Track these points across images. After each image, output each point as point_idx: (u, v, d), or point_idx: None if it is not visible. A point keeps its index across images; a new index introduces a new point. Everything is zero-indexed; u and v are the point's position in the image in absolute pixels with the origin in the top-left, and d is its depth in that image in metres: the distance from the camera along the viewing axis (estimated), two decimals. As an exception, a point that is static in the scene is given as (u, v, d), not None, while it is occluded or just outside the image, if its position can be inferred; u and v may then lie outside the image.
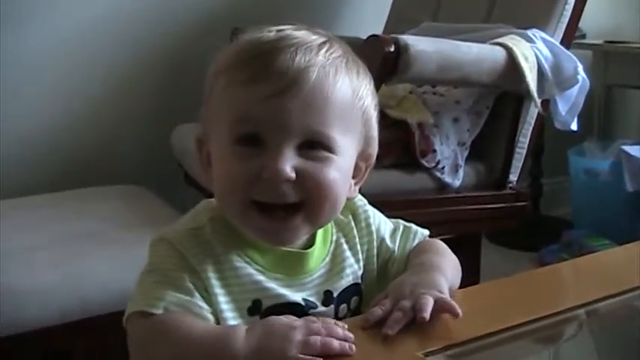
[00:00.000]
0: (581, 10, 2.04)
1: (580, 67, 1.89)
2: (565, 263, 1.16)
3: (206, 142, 0.91)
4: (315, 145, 0.84)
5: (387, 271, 0.97)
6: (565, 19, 2.00)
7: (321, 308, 0.90)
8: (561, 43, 1.96)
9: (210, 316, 0.84)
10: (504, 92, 1.93)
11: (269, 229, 0.86)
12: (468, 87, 1.89)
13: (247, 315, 0.86)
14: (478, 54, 1.75)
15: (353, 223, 0.97)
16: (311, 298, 0.90)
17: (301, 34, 0.86)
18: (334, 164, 0.84)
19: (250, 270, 0.88)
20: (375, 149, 0.95)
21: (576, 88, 1.90)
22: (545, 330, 0.94)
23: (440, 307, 0.84)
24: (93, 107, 2.36)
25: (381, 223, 0.99)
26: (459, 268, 0.98)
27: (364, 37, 1.78)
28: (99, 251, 1.60)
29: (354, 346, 0.78)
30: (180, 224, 0.90)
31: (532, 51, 1.81)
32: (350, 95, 0.86)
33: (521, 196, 2.01)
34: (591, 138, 3.15)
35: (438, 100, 1.92)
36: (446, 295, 0.86)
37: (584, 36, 3.04)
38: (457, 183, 1.92)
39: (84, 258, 1.58)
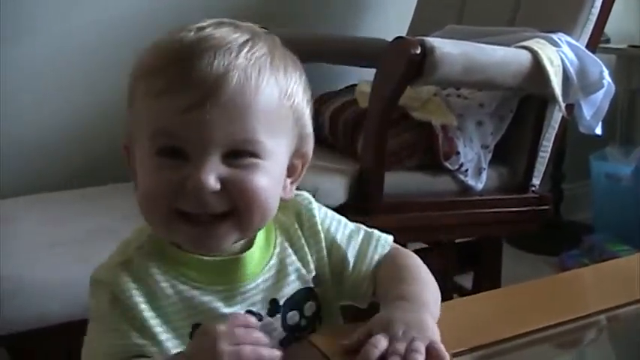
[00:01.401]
0: (607, 15, 2.02)
1: (605, 72, 1.88)
2: (586, 268, 1.16)
3: (132, 150, 0.87)
4: (241, 153, 0.80)
5: (343, 276, 0.94)
6: (591, 24, 1.99)
7: (267, 319, 0.87)
8: (586, 47, 1.95)
9: (154, 349, 0.81)
10: (528, 96, 1.92)
11: (194, 235, 0.82)
12: (493, 90, 1.89)
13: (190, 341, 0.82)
14: (503, 57, 1.75)
15: (297, 225, 0.93)
16: (254, 309, 0.87)
17: (222, 33, 0.82)
18: (262, 170, 0.81)
19: (187, 292, 0.84)
20: (310, 146, 0.91)
21: (601, 92, 1.89)
22: (566, 335, 0.94)
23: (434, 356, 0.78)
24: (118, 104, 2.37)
25: (332, 224, 0.95)
26: (438, 291, 0.91)
27: (388, 39, 1.78)
28: (121, 247, 1.60)
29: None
30: (110, 258, 0.87)
31: (557, 55, 1.81)
32: (276, 96, 0.82)
33: (543, 200, 2.00)
34: (614, 143, 3.14)
35: (462, 103, 1.92)
36: (437, 339, 0.80)
37: (608, 40, 3.02)
38: (480, 186, 1.92)
39: (106, 254, 1.58)
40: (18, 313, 1.47)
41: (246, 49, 0.81)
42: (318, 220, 0.94)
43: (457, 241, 2.11)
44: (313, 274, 0.92)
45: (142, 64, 0.83)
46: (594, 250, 2.76)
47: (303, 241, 0.92)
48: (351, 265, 0.93)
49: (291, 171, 0.89)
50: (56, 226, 1.71)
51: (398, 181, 1.81)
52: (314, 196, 1.66)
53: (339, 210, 1.70)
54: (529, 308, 0.98)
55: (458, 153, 1.85)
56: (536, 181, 1.99)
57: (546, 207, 2.00)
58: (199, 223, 0.81)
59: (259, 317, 0.86)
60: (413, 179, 1.85)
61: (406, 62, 1.62)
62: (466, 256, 2.12)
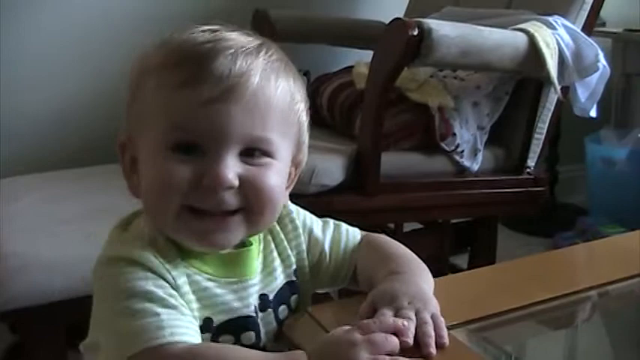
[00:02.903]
0: (603, -1, 2.04)
1: (601, 55, 1.90)
2: (582, 245, 1.18)
3: (131, 147, 0.85)
4: (256, 151, 0.81)
5: (322, 266, 0.95)
6: (587, 7, 2.00)
7: (260, 314, 0.87)
8: (582, 30, 1.96)
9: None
10: (524, 78, 1.94)
11: (203, 230, 0.81)
12: (490, 72, 1.90)
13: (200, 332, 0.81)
14: (500, 39, 1.76)
15: (275, 222, 0.92)
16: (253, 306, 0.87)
17: (236, 36, 0.83)
18: (274, 169, 0.82)
19: (203, 283, 0.83)
20: (305, 155, 0.92)
21: (597, 75, 1.91)
22: (559, 310, 0.96)
23: (436, 326, 0.80)
24: (117, 85, 2.38)
25: (307, 217, 0.96)
26: (422, 263, 0.94)
27: (385, 22, 1.79)
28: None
29: None
30: (122, 244, 0.83)
31: (553, 37, 1.82)
32: (289, 99, 0.84)
33: (539, 182, 2.02)
34: (608, 126, 3.16)
35: (458, 85, 1.93)
36: (438, 312, 0.83)
37: (604, 24, 3.04)
38: (476, 167, 1.94)
39: (107, 231, 1.60)
40: (22, 289, 1.49)
41: (263, 52, 0.82)
42: (295, 215, 0.95)
43: (453, 221, 2.13)
44: (294, 267, 0.93)
45: (150, 60, 0.82)
46: (588, 232, 2.78)
47: (282, 235, 0.93)
48: (328, 255, 0.95)
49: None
50: (58, 205, 1.73)
51: (395, 162, 1.83)
52: (311, 176, 1.70)
53: (337, 190, 1.76)
54: (523, 283, 1.00)
55: (454, 134, 1.87)
56: (531, 162, 2.01)
57: (542, 188, 2.02)
58: (209, 218, 0.80)
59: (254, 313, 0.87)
60: (409, 160, 1.87)
61: (404, 44, 1.64)
62: (462, 236, 2.14)
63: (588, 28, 2.02)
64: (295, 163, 0.90)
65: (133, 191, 0.86)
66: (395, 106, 1.84)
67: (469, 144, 1.91)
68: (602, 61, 1.90)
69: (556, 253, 1.17)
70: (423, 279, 0.89)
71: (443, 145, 1.87)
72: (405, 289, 0.84)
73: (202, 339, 0.80)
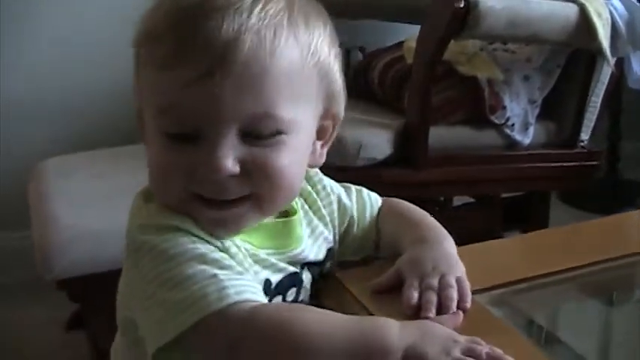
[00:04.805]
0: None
1: (657, 25, 1.86)
2: (614, 216, 1.16)
3: (142, 116, 0.78)
4: (261, 130, 0.72)
5: (349, 233, 0.92)
6: (642, -25, 1.96)
7: (302, 271, 0.84)
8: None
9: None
10: (577, 50, 1.91)
11: (212, 217, 0.74)
12: (539, 44, 1.88)
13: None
14: (549, 10, 1.74)
15: (310, 188, 0.88)
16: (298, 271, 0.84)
17: None
18: (286, 146, 0.73)
19: (251, 249, 0.78)
20: (341, 104, 0.82)
21: (652, 46, 1.87)
22: (587, 277, 0.95)
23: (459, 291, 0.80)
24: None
25: (332, 184, 0.91)
26: (449, 236, 0.90)
27: (433, -5, 1.79)
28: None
29: None
30: (156, 213, 0.75)
31: (606, 7, 1.79)
32: (297, 56, 0.73)
33: (593, 156, 1.99)
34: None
35: (509, 58, 1.91)
36: (464, 275, 0.82)
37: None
38: (527, 141, 1.92)
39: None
40: (75, 259, 1.56)
41: (259, 7, 0.71)
42: (326, 183, 0.90)
43: (504, 196, 2.12)
44: (331, 234, 0.89)
45: (144, 27, 0.75)
46: (652, 209, 2.72)
47: (319, 203, 0.88)
48: (356, 221, 0.92)
49: (321, 134, 0.82)
50: (107, 180, 1.78)
51: (444, 135, 1.83)
52: (359, 150, 1.71)
53: (385, 163, 1.76)
54: (553, 251, 0.99)
55: (504, 107, 1.86)
56: (584, 136, 1.98)
57: (595, 162, 1.99)
58: (216, 206, 0.73)
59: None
60: (459, 133, 1.87)
61: (450, 16, 1.63)
62: (514, 212, 2.12)
63: (644, -3, 1.97)
64: (330, 116, 0.81)
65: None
66: (443, 80, 1.84)
67: (520, 117, 1.89)
68: (658, 32, 1.86)
69: (589, 224, 1.15)
70: (448, 244, 0.88)
71: (492, 118, 1.86)
72: (431, 255, 0.84)
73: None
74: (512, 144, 1.91)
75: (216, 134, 0.71)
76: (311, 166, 0.83)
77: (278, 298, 0.81)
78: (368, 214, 0.93)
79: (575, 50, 1.91)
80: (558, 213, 2.13)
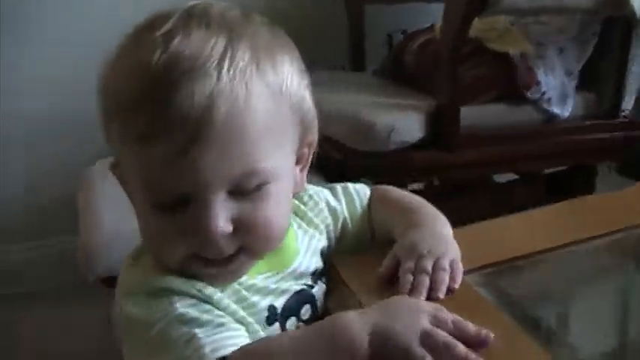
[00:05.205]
0: None
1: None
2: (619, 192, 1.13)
3: (117, 166, 0.79)
4: (246, 185, 0.73)
5: (345, 233, 0.93)
6: None
7: (315, 287, 0.86)
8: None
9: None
10: (611, 18, 1.86)
11: (212, 274, 0.76)
12: (567, 14, 1.84)
13: (267, 326, 0.79)
14: (573, -22, 1.70)
15: (297, 202, 0.89)
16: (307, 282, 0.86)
17: (195, 47, 0.70)
18: (271, 195, 0.75)
19: (242, 279, 0.79)
20: (315, 130, 0.83)
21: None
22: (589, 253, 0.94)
23: (453, 272, 0.81)
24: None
25: (316, 190, 0.92)
26: (443, 217, 0.91)
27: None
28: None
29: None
30: (143, 283, 0.76)
31: (637, -29, 1.74)
32: (271, 103, 0.73)
33: (636, 125, 1.94)
34: None
35: (541, 30, 1.87)
36: (458, 258, 0.83)
37: None
38: (566, 113, 1.88)
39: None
40: (117, 258, 1.60)
41: (226, 65, 0.70)
42: (312, 192, 0.92)
43: (546, 171, 2.08)
44: (326, 243, 0.91)
45: (109, 87, 0.75)
46: None
47: (309, 214, 0.90)
48: (349, 219, 0.93)
49: (299, 161, 0.83)
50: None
51: (477, 115, 1.80)
52: (390, 134, 1.71)
53: (417, 146, 1.75)
54: (555, 228, 0.99)
55: (538, 83, 1.82)
56: (627, 105, 1.93)
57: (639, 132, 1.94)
58: (213, 264, 0.75)
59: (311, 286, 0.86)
60: (493, 111, 1.84)
61: (470, -7, 1.61)
62: (558, 186, 2.08)
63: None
64: (306, 144, 0.82)
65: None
66: (473, 58, 1.82)
67: (557, 90, 1.85)
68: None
69: (594, 197, 1.12)
70: (441, 226, 0.89)
71: (527, 94, 1.83)
72: (426, 237, 0.84)
73: (272, 332, 0.79)
74: (551, 117, 1.87)
75: (205, 198, 0.71)
76: (294, 193, 0.84)
77: (292, 320, 0.83)
78: (359, 209, 0.94)
79: (609, 17, 1.86)
80: (612, 184, 2.07)
